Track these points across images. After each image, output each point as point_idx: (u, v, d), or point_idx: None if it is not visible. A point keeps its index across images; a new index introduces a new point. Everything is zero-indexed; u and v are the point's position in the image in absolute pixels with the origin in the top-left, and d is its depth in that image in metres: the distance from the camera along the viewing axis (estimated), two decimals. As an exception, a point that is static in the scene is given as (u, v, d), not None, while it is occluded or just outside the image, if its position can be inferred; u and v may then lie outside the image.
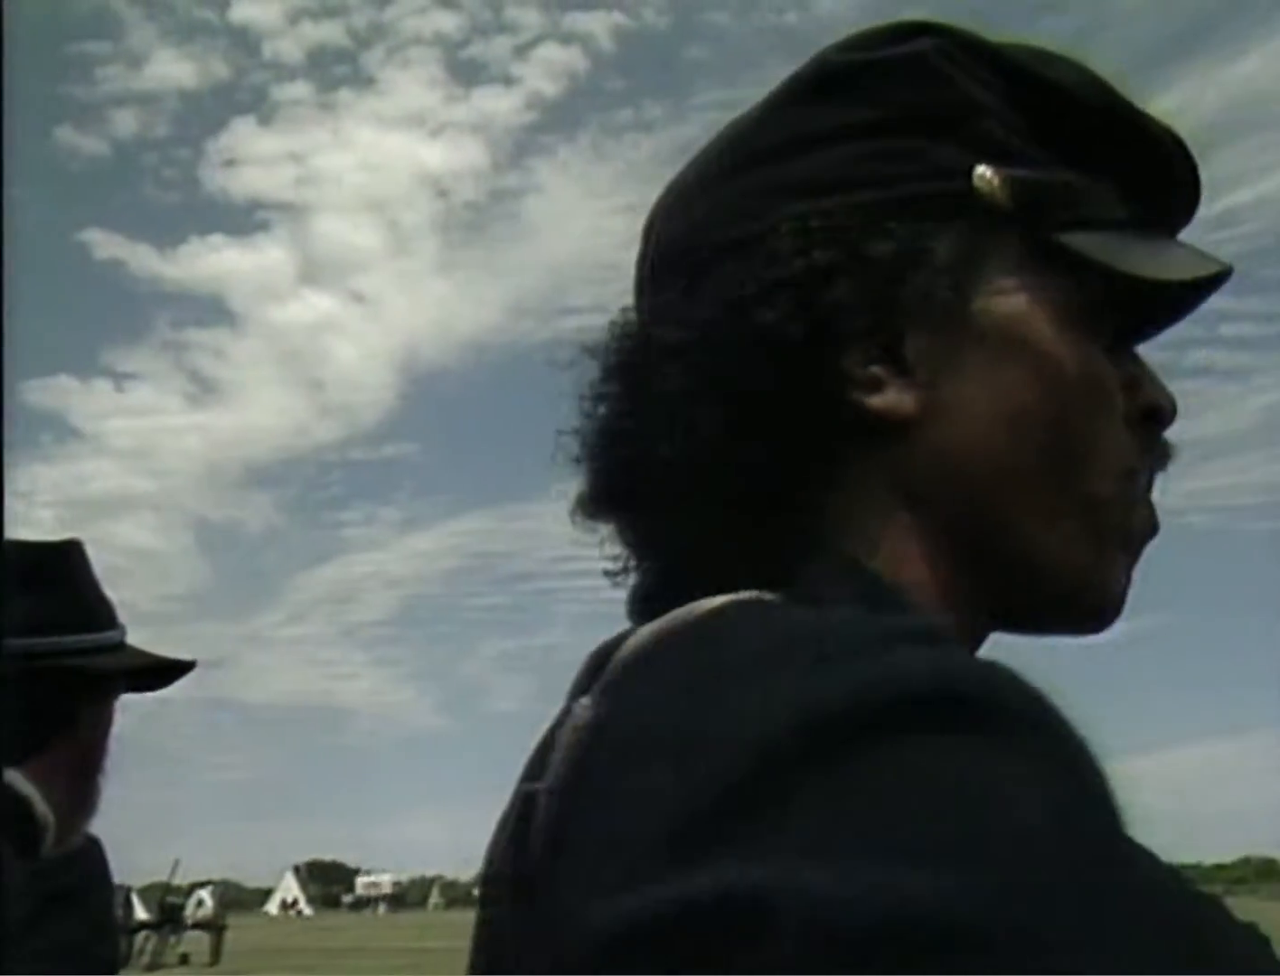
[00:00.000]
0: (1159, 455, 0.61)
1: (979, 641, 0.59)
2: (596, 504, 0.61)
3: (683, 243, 0.62)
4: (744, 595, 0.49)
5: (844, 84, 0.61)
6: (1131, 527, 0.60)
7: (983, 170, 0.58)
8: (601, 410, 0.60)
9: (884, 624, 0.44)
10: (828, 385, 0.56)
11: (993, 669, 0.40)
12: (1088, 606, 0.59)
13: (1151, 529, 0.61)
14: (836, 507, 0.57)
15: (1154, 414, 0.60)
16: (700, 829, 0.36)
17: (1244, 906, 0.55)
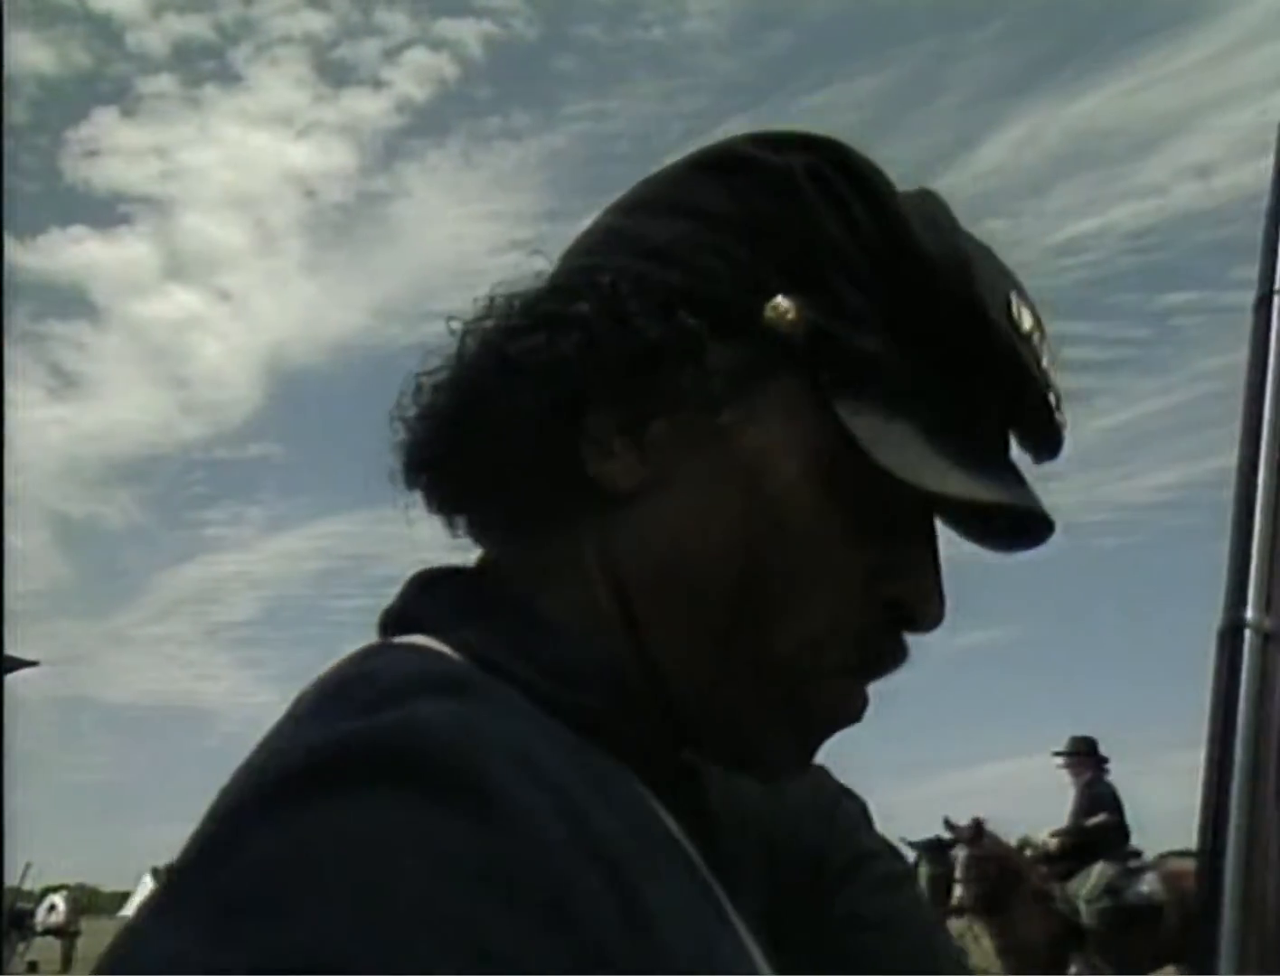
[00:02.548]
0: (880, 651, 0.60)
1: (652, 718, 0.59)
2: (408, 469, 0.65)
3: (562, 258, 0.66)
4: (386, 641, 0.58)
5: (724, 171, 0.62)
6: (806, 701, 0.59)
7: (780, 300, 0.58)
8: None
9: (394, 677, 0.51)
10: (565, 433, 0.59)
11: (440, 730, 0.46)
12: (726, 751, 0.60)
13: (842, 714, 0.60)
14: (546, 549, 0.61)
15: (897, 609, 0.59)
16: (166, 889, 0.44)
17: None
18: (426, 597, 0.62)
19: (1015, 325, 0.61)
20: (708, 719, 0.60)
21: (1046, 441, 0.63)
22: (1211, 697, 0.56)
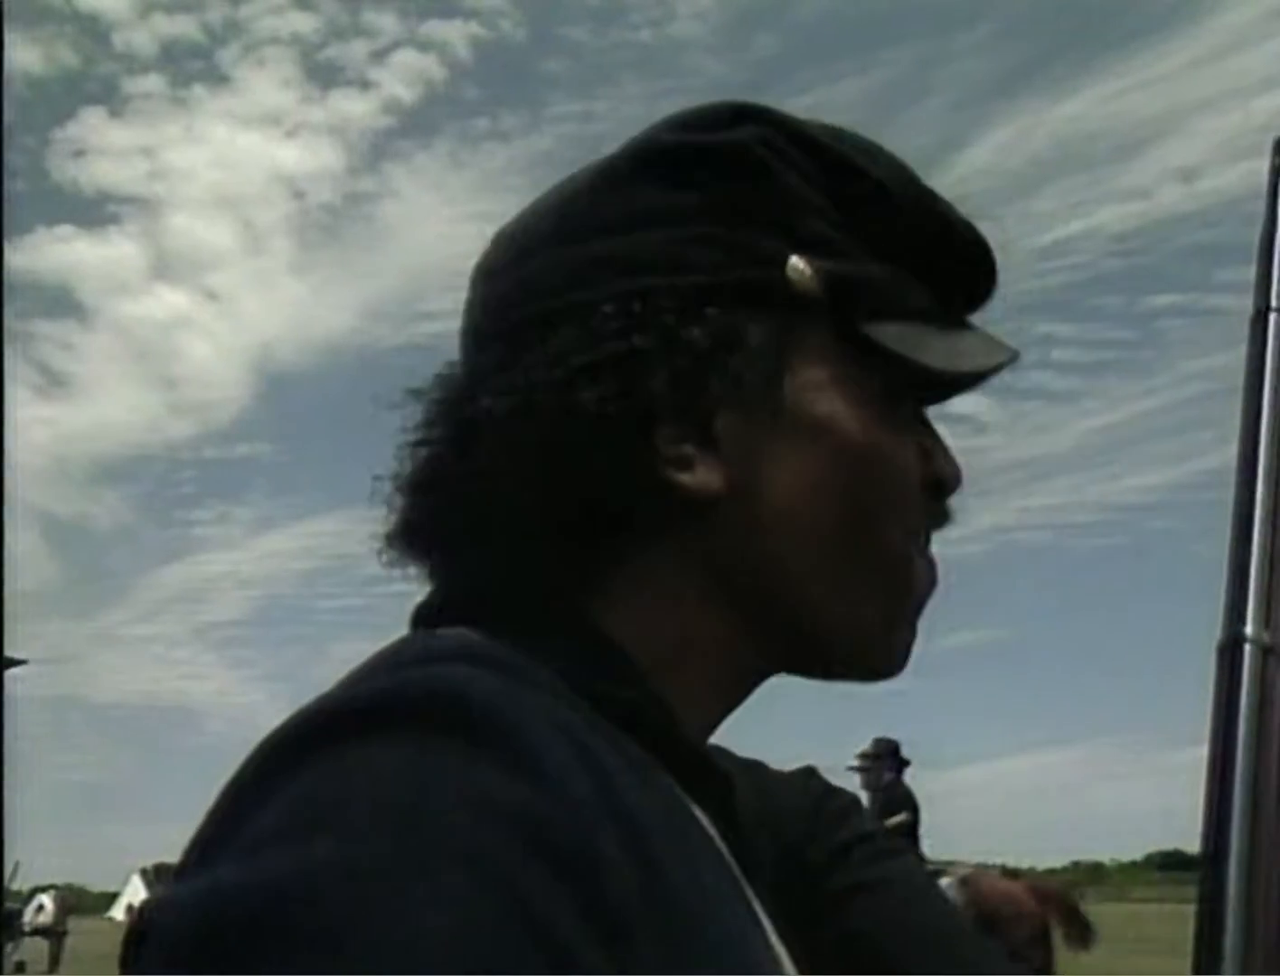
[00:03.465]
0: (939, 518, 0.67)
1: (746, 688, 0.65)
2: (404, 546, 0.64)
3: (510, 301, 0.64)
4: (425, 631, 0.59)
5: (673, 166, 0.63)
6: (914, 582, 0.65)
7: (796, 261, 0.61)
8: (419, 456, 0.63)
9: (434, 647, 0.54)
10: (641, 463, 0.59)
11: (478, 687, 0.47)
12: (873, 661, 0.65)
13: (931, 583, 0.66)
14: (623, 581, 0.61)
15: (939, 483, 0.66)
16: (201, 834, 0.45)
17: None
18: (467, 593, 0.62)
19: (950, 206, 0.68)
20: (853, 640, 0.64)
21: (990, 292, 0.70)
22: (1212, 711, 0.57)
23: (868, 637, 0.64)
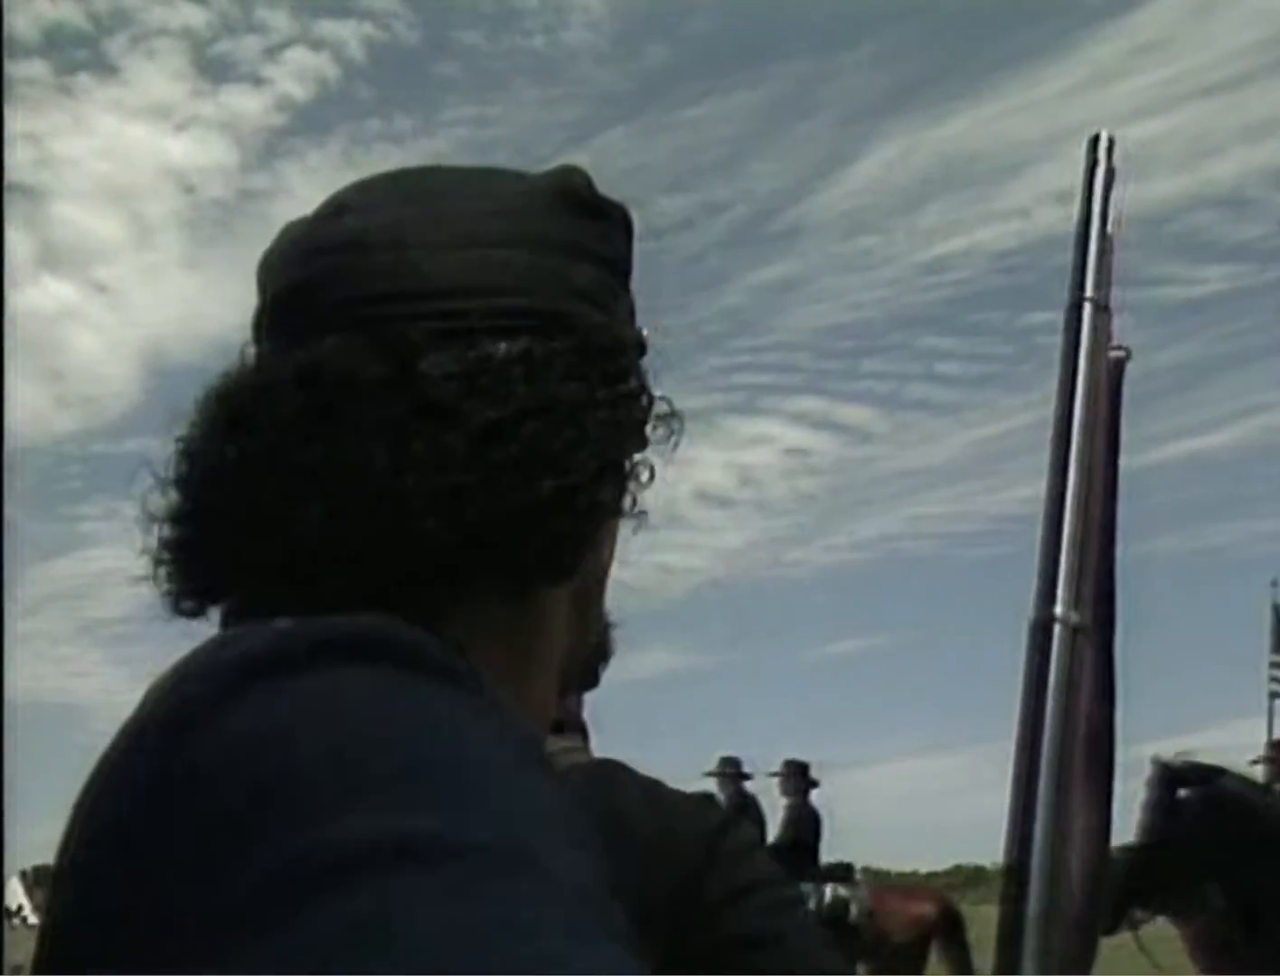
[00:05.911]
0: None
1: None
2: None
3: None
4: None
5: (594, 211, 0.64)
6: (607, 645, 1.01)
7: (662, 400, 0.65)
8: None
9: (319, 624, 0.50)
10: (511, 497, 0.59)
11: (404, 630, 0.47)
12: (593, 676, 1.05)
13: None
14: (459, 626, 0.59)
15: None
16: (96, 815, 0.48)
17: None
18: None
19: None
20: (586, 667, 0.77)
21: None
22: (1023, 687, 0.60)
23: (591, 664, 0.86)
